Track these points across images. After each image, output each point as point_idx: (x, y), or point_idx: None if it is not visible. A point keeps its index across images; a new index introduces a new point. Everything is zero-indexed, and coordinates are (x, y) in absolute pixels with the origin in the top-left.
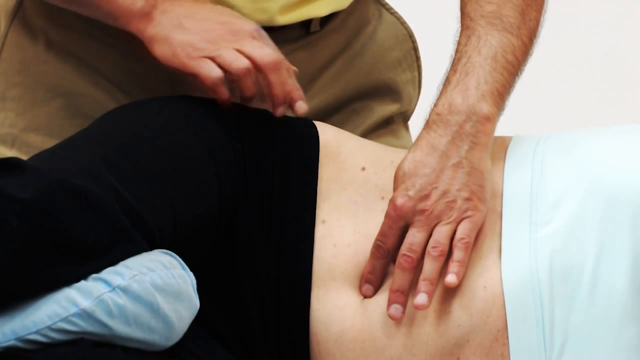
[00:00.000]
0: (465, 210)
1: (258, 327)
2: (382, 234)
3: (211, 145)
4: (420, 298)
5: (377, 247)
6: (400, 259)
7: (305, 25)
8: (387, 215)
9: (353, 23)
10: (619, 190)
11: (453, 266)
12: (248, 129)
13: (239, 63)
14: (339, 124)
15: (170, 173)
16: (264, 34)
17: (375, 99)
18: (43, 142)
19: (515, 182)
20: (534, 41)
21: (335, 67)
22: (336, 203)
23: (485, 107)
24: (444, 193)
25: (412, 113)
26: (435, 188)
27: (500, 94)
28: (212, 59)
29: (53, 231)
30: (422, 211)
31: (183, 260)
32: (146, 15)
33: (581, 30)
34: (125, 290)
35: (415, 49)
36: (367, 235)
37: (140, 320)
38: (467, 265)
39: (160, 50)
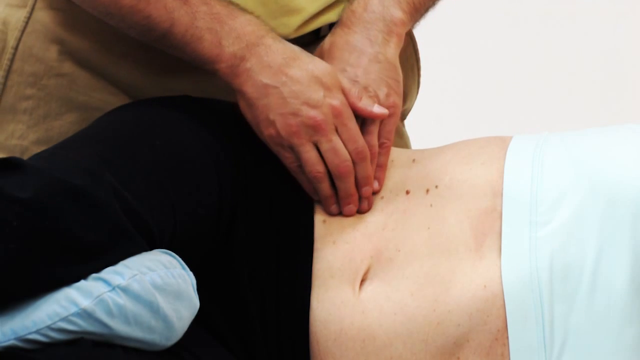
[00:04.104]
0: (387, 108)
1: (258, 327)
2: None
3: (211, 145)
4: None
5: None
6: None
7: (315, 31)
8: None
9: None
10: (619, 189)
11: (377, 171)
12: (249, 129)
13: (315, 168)
14: None
15: (170, 173)
16: (349, 113)
17: None
18: None
19: (515, 181)
20: None
21: None
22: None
23: (399, 13)
24: (365, 88)
25: (409, 112)
26: (356, 82)
27: (417, 9)
28: (292, 150)
29: (53, 231)
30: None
31: (183, 260)
32: (234, 67)
33: (581, 30)
34: (125, 290)
35: (415, 50)
36: (365, 234)
37: (140, 319)
38: (386, 168)
39: (244, 110)
